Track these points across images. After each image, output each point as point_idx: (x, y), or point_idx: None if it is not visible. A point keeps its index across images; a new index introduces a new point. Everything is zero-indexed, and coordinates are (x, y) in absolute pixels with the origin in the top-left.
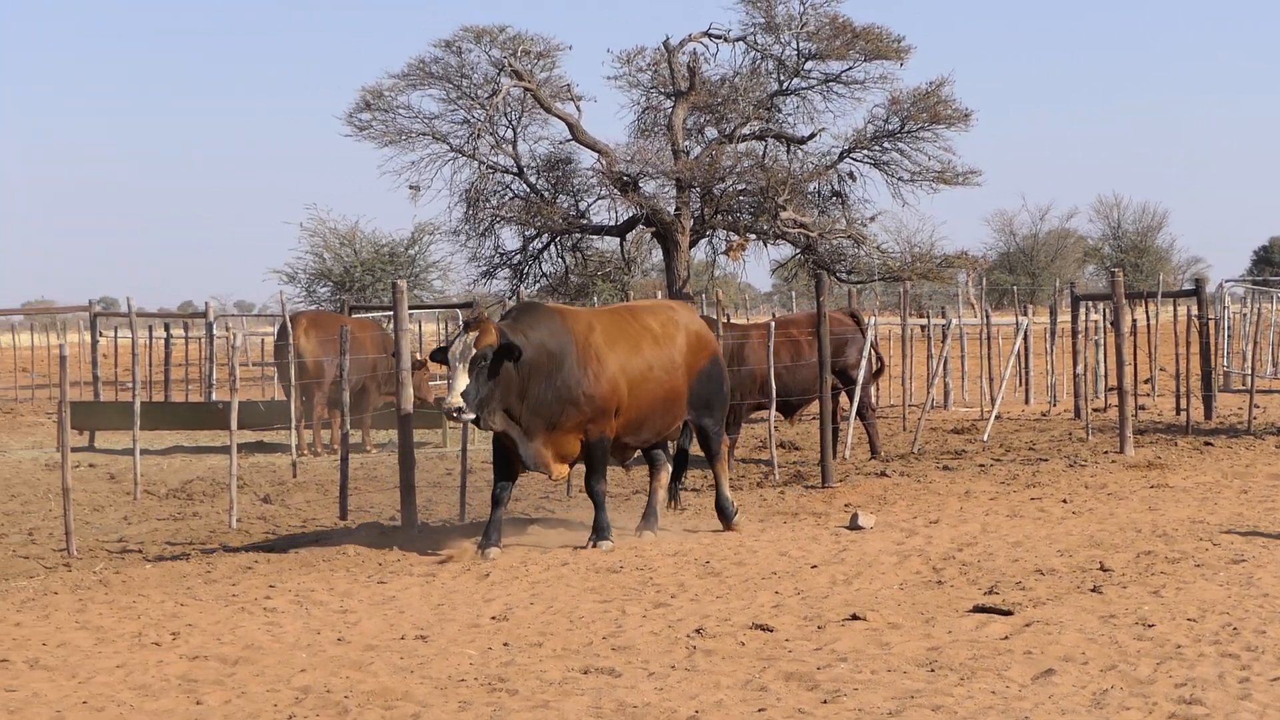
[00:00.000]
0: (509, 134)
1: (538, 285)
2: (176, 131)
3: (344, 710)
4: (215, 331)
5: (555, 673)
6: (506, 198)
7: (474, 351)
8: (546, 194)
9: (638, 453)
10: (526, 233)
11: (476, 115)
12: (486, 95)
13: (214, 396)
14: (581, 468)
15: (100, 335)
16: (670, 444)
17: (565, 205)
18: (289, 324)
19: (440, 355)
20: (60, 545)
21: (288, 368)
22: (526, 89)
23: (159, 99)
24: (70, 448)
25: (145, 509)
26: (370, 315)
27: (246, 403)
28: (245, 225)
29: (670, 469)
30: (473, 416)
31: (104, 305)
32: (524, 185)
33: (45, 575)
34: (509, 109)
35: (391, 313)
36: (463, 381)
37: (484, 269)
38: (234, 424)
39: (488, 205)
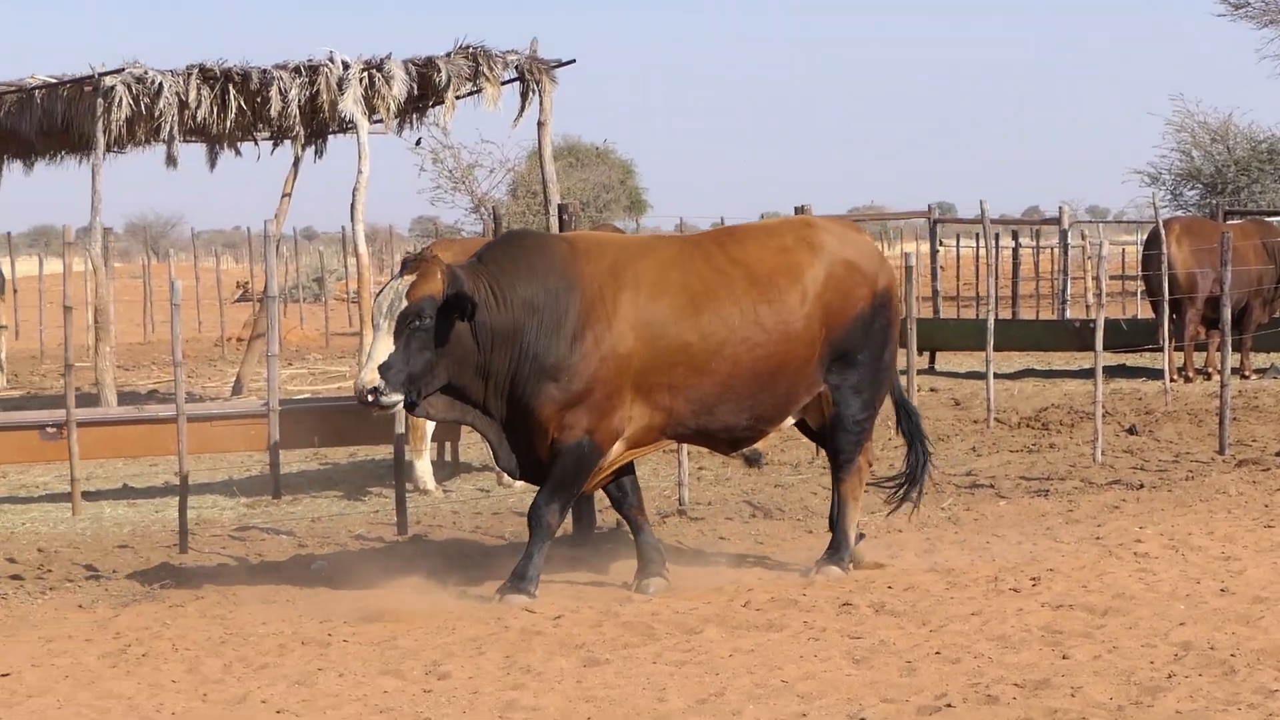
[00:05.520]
0: None
1: None
2: (1020, 16)
3: (1230, 670)
4: (1070, 240)
5: None
6: None
7: (404, 304)
8: None
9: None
10: None
11: None
12: None
13: (1068, 314)
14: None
15: (939, 244)
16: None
17: None
18: (1161, 230)
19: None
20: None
21: (1156, 281)
22: None
23: None
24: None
25: (996, 439)
26: (1251, 220)
27: (1107, 321)
28: (1099, 120)
29: (863, 471)
30: (396, 400)
31: (941, 211)
32: None
33: (887, 510)
34: None
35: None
36: (384, 348)
37: None
38: (1099, 345)
39: None
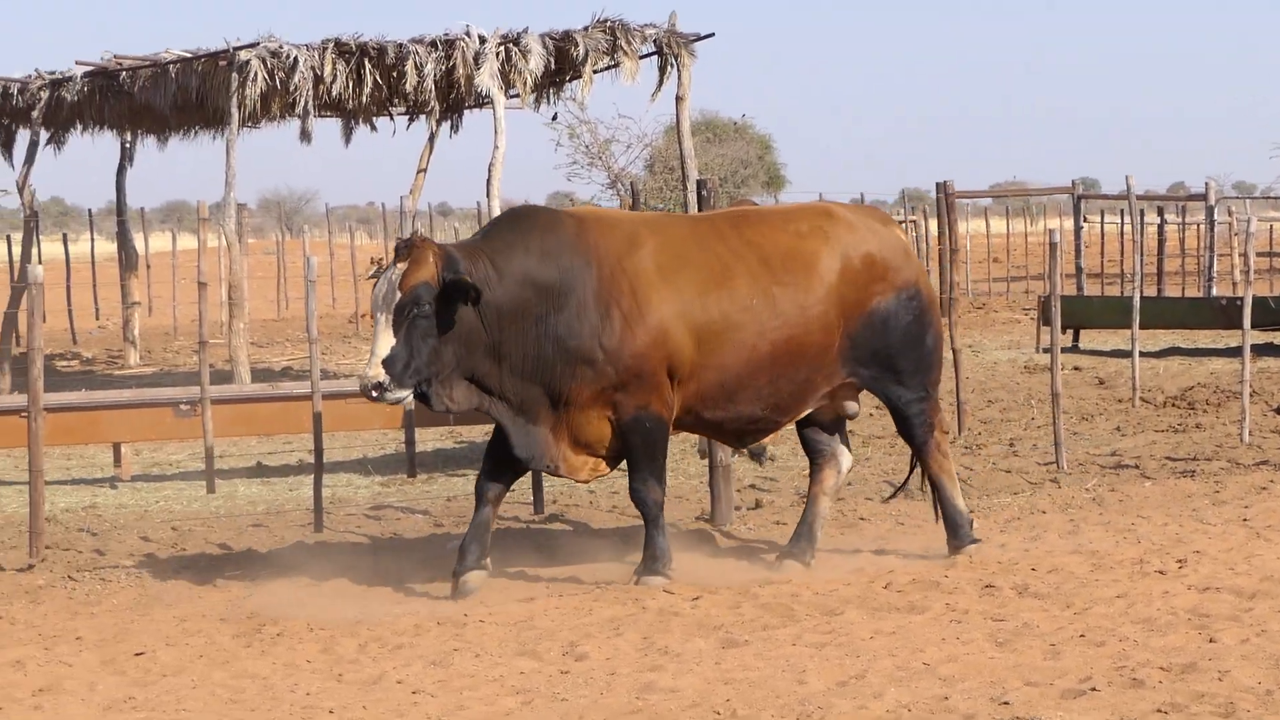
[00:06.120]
0: None
1: None
2: None
3: None
4: (1217, 217)
5: None
6: None
7: (398, 295)
8: None
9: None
10: None
11: None
12: None
13: (1215, 291)
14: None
15: (1083, 220)
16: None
17: None
18: None
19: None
20: (1046, 458)
21: None
22: None
23: None
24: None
25: (1141, 419)
26: None
27: (1255, 298)
28: (1246, 95)
29: (842, 467)
30: (404, 395)
31: (1085, 187)
32: None
33: (1031, 491)
34: None
35: None
36: (386, 342)
37: None
38: (1246, 323)
39: None
